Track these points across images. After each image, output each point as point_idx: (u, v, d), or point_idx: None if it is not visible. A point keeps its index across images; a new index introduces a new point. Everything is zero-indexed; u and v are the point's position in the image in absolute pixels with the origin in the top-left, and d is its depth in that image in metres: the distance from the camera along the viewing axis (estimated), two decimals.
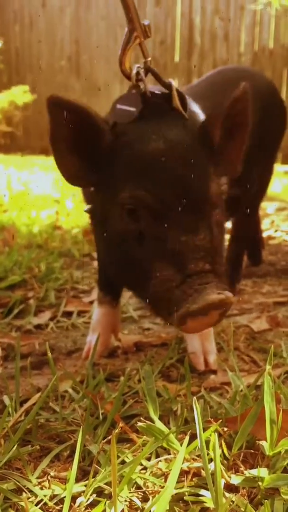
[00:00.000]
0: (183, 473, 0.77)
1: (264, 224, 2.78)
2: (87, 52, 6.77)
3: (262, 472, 0.72)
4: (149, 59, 1.02)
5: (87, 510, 0.71)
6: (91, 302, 1.57)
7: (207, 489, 0.71)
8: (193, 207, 0.87)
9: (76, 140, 0.91)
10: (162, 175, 0.88)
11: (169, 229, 0.86)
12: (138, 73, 1.00)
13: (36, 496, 0.73)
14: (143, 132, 0.93)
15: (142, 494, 0.74)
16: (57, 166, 0.94)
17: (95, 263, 1.98)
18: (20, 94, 7.14)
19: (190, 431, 0.80)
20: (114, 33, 6.53)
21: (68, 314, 1.53)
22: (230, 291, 0.83)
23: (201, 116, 1.09)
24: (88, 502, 0.72)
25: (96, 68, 6.71)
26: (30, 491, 0.74)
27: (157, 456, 0.82)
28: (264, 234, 2.48)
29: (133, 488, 0.75)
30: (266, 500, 0.66)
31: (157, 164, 0.89)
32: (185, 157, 0.91)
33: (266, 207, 3.21)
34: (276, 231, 2.65)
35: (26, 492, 0.74)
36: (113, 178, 0.92)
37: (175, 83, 1.01)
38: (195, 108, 1.11)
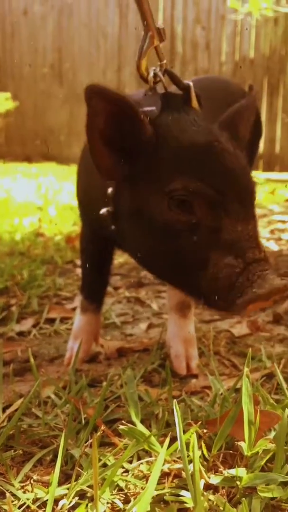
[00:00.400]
0: (164, 474, 0.78)
1: None
2: (70, 60, 6.80)
3: (241, 471, 0.74)
4: (165, 61, 1.04)
5: None
6: (74, 309, 1.58)
7: (187, 490, 0.72)
8: (245, 197, 0.90)
9: (114, 131, 0.91)
10: (216, 166, 0.89)
11: (226, 218, 0.87)
12: (155, 75, 1.01)
13: (19, 499, 0.74)
14: (184, 125, 0.94)
15: (124, 496, 0.76)
16: (92, 157, 0.92)
17: (78, 270, 1.99)
18: (2, 101, 7.12)
19: (170, 433, 0.82)
20: (96, 40, 6.57)
21: (51, 321, 1.54)
22: None
23: None
24: (71, 504, 0.73)
25: (79, 76, 6.74)
26: (13, 494, 0.75)
27: (139, 458, 0.83)
28: None
29: (115, 490, 0.76)
30: (244, 499, 0.68)
31: (210, 155, 0.90)
32: (231, 149, 0.93)
33: None
34: None
35: (9, 496, 0.75)
36: (157, 170, 0.91)
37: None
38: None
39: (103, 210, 0.99)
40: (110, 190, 0.97)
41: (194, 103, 1.00)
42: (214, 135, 0.94)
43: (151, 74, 1.01)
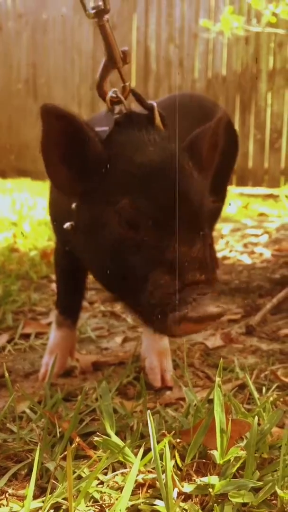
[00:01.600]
0: (139, 485, 0.80)
1: (219, 244, 2.86)
2: (44, 75, 6.83)
3: (213, 479, 0.75)
4: (128, 83, 1.06)
5: None
6: (49, 324, 1.59)
7: (161, 499, 0.74)
8: (191, 218, 0.91)
9: (66, 148, 0.93)
10: (163, 185, 0.91)
11: (169, 238, 0.88)
12: (114, 96, 1.03)
13: None
14: (136, 143, 0.96)
15: (99, 507, 0.77)
16: (48, 174, 0.95)
17: (53, 285, 1.99)
18: None
19: (144, 444, 0.83)
20: (71, 57, 6.62)
21: (26, 336, 1.54)
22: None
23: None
24: None
25: (54, 91, 6.77)
26: None
27: (114, 470, 0.84)
28: (219, 254, 2.56)
29: (90, 502, 0.77)
30: (216, 506, 0.69)
31: (158, 174, 0.92)
32: (182, 169, 0.94)
33: (222, 228, 3.30)
34: (230, 251, 2.73)
35: None
36: (108, 187, 0.94)
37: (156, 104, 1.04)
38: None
39: (67, 225, 1.01)
40: (73, 205, 1.00)
41: (158, 122, 1.02)
42: (168, 155, 0.95)
43: (109, 94, 1.04)
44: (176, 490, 0.75)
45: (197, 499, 0.76)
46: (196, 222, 0.92)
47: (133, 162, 0.93)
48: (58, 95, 6.68)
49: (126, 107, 1.03)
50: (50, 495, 0.75)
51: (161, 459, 0.77)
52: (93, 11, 1.07)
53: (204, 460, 0.83)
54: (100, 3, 1.06)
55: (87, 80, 6.49)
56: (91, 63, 6.46)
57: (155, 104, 1.03)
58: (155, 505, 0.74)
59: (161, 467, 0.75)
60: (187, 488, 0.76)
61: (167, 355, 1.24)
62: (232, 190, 4.99)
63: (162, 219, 0.89)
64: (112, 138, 0.97)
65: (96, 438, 0.84)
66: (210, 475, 0.78)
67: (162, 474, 0.74)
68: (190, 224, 0.91)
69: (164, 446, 0.77)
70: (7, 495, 0.78)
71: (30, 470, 0.85)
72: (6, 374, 1.04)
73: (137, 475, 0.79)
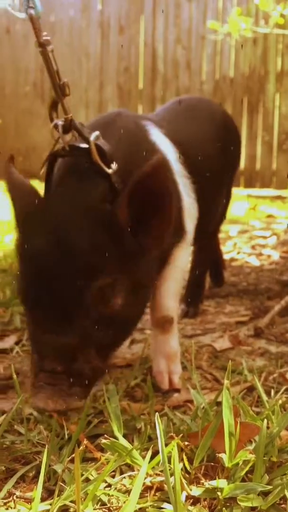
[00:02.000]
0: (147, 488, 0.79)
1: (227, 246, 2.85)
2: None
3: (221, 483, 0.75)
4: (70, 115, 1.01)
5: None
6: None
7: (169, 502, 0.73)
8: (55, 309, 0.86)
9: None
10: (29, 269, 0.89)
11: (33, 324, 0.90)
12: (56, 127, 1.00)
13: None
14: (40, 210, 0.94)
15: (107, 510, 0.76)
16: None
17: None
18: None
19: (152, 446, 0.83)
20: (78, 59, 6.64)
21: None
22: (81, 398, 0.87)
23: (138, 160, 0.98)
24: None
25: None
26: None
27: (122, 473, 0.84)
28: (227, 256, 2.55)
29: (98, 505, 0.77)
30: (225, 509, 0.69)
31: (30, 255, 0.90)
32: (57, 255, 0.87)
33: (229, 229, 3.29)
34: (238, 253, 2.72)
35: None
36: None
37: (95, 137, 0.97)
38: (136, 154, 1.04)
39: None
40: None
41: (95, 157, 0.95)
42: (55, 230, 0.89)
43: (52, 126, 1.01)
44: (184, 493, 0.75)
45: (206, 502, 0.75)
46: (65, 310, 0.86)
47: (25, 230, 0.94)
48: (66, 97, 6.69)
49: (64, 142, 0.99)
50: (58, 498, 0.75)
51: (169, 462, 0.77)
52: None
53: (212, 463, 0.82)
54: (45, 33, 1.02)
55: (94, 83, 6.51)
56: (99, 65, 6.47)
57: (91, 138, 0.96)
58: (163, 508, 0.73)
59: (169, 470, 0.75)
60: (196, 491, 0.75)
61: (175, 358, 1.23)
62: (240, 192, 4.98)
63: (26, 305, 0.91)
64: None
65: (103, 441, 0.83)
66: (219, 478, 0.77)
67: (170, 477, 0.73)
68: (56, 312, 0.86)
69: (172, 449, 0.76)
70: (14, 498, 0.78)
71: (38, 472, 0.84)
72: (14, 376, 1.04)
73: (145, 478, 0.78)
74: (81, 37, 6.59)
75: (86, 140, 0.97)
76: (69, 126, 0.99)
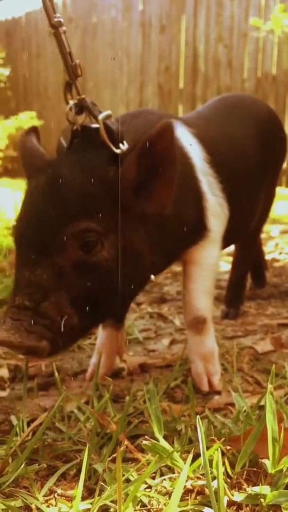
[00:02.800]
0: (187, 491, 0.78)
1: (269, 246, 2.80)
2: (93, 79, 6.91)
3: (265, 489, 0.73)
4: (83, 96, 1.03)
5: None
6: None
7: (210, 507, 0.72)
8: (30, 242, 0.92)
9: None
10: (21, 210, 0.97)
11: (16, 262, 0.94)
12: (71, 109, 1.03)
13: None
14: (52, 166, 1.01)
15: None
16: None
17: None
18: (28, 120, 7.27)
19: (194, 449, 0.82)
20: (120, 59, 6.68)
21: None
22: (41, 338, 0.87)
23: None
24: None
25: (102, 94, 6.84)
26: (38, 508, 0.76)
27: (162, 474, 0.83)
28: (269, 257, 2.51)
29: (138, 506, 0.76)
30: None
31: (24, 199, 0.99)
32: (46, 196, 0.94)
33: (271, 230, 3.23)
34: (280, 253, 2.67)
35: (33, 510, 0.76)
36: None
37: (104, 116, 0.99)
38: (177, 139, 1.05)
39: None
40: None
41: (103, 136, 0.98)
42: (48, 179, 0.97)
43: (67, 109, 1.04)
44: (226, 498, 0.73)
45: (248, 509, 0.74)
46: (41, 248, 0.91)
47: (28, 185, 1.02)
48: (107, 98, 6.75)
49: (76, 123, 1.02)
50: (99, 497, 0.75)
51: (210, 465, 0.76)
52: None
53: (254, 469, 0.81)
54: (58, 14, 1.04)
55: (135, 83, 6.52)
56: (139, 66, 6.49)
57: (100, 117, 0.99)
58: None
59: (210, 474, 0.74)
60: (238, 497, 0.74)
61: (211, 359, 1.21)
62: (282, 191, 4.89)
63: (14, 242, 0.96)
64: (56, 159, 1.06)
65: (144, 442, 0.83)
66: (261, 484, 0.76)
67: (212, 481, 0.72)
68: (34, 250, 0.91)
69: (214, 452, 0.75)
70: (55, 495, 0.79)
71: (78, 471, 0.85)
72: (56, 374, 1.05)
73: (186, 481, 0.77)
74: (122, 38, 6.63)
75: (95, 118, 1.00)
76: (81, 107, 1.02)
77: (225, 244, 1.33)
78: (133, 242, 0.98)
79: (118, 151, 0.97)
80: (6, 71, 7.59)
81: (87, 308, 0.92)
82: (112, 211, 0.93)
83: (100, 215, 0.92)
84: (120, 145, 0.99)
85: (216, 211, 1.21)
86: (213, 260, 1.23)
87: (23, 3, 7.83)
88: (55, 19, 1.03)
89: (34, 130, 1.17)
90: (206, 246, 1.20)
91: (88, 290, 0.92)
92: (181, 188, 1.05)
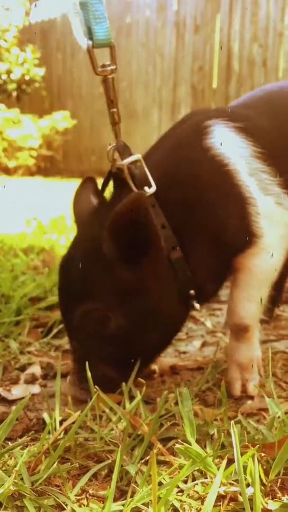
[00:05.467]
0: (220, 497, 0.77)
1: None
2: (127, 79, 6.94)
3: None
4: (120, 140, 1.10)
5: None
6: None
7: None
8: (65, 318, 1.13)
9: None
10: (58, 283, 1.13)
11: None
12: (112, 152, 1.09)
13: None
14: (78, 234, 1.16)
15: None
16: None
17: None
18: (61, 120, 7.35)
19: (227, 455, 0.80)
20: (153, 59, 6.68)
21: None
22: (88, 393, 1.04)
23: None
24: None
25: (135, 94, 6.86)
26: (70, 508, 0.76)
27: (194, 479, 0.82)
28: None
29: (170, 510, 0.76)
30: None
31: (59, 272, 1.13)
32: (63, 277, 1.11)
33: None
34: None
35: (65, 508, 0.76)
36: None
37: (130, 161, 1.05)
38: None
39: None
40: None
41: (130, 183, 1.04)
42: (77, 249, 1.11)
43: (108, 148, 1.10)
44: (260, 506, 0.72)
45: None
46: (68, 322, 1.12)
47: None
48: (140, 98, 6.76)
49: (113, 165, 1.09)
50: (131, 499, 0.75)
51: (244, 472, 0.75)
52: (102, 69, 1.11)
53: None
54: (108, 62, 1.11)
55: (169, 83, 6.51)
56: (173, 66, 6.47)
57: (125, 161, 1.05)
58: None
59: (244, 480, 0.73)
60: (272, 505, 0.72)
61: (248, 368, 1.18)
62: None
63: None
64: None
65: (177, 446, 0.82)
66: None
67: (246, 488, 0.71)
68: (66, 323, 1.14)
69: (249, 459, 0.74)
70: (87, 495, 0.79)
71: (110, 471, 0.85)
72: (88, 372, 1.05)
73: (219, 486, 0.76)
74: (156, 38, 6.63)
75: (119, 168, 1.07)
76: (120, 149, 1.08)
77: None
78: (145, 305, 1.05)
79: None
80: (41, 71, 7.69)
81: (126, 365, 1.09)
82: (108, 285, 1.04)
83: (100, 293, 1.05)
84: (146, 188, 1.03)
85: (272, 212, 1.09)
86: (266, 267, 1.12)
87: (59, 5, 7.91)
88: (105, 68, 1.10)
89: (90, 180, 1.21)
90: (256, 254, 1.10)
91: (118, 353, 1.08)
92: (212, 205, 1.06)
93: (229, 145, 1.07)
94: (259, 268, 1.12)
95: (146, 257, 1.01)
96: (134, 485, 0.78)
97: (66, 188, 5.62)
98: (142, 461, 0.83)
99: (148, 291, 1.04)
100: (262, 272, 1.12)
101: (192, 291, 1.09)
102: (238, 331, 1.17)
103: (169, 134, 1.14)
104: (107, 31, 1.06)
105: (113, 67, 1.10)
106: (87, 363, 1.01)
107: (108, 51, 1.10)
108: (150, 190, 1.03)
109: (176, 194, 1.05)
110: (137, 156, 1.05)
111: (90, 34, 1.05)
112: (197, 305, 1.12)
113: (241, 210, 1.07)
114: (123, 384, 1.08)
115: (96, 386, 1.00)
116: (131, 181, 1.03)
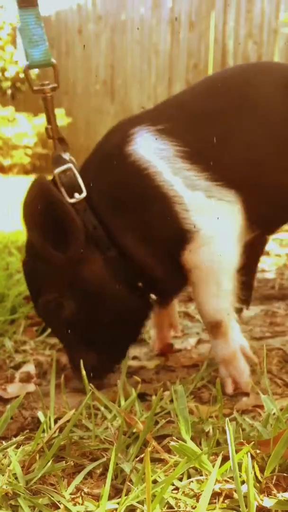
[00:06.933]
0: (215, 494, 0.77)
1: None
2: (122, 76, 6.92)
3: None
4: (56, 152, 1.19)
5: None
6: None
7: (239, 511, 0.71)
8: (38, 315, 1.26)
9: None
10: None
11: None
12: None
13: (69, 511, 0.75)
14: None
15: None
16: None
17: None
18: (56, 118, 7.31)
19: (222, 452, 0.80)
20: (148, 57, 6.66)
21: None
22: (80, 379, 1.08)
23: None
24: None
25: (130, 91, 6.85)
26: (64, 506, 0.76)
27: (189, 476, 0.82)
28: None
29: (165, 508, 0.75)
30: None
31: None
32: (26, 267, 1.20)
33: None
34: None
35: (60, 507, 0.75)
36: None
37: (60, 170, 1.14)
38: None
39: None
40: None
41: (59, 189, 1.12)
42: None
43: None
44: (255, 503, 0.72)
45: None
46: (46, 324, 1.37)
47: None
48: (135, 95, 6.75)
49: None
50: (126, 497, 0.74)
51: (239, 469, 0.74)
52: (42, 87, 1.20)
53: (284, 474, 0.79)
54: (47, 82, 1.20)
55: (164, 80, 6.50)
56: (168, 63, 6.46)
57: (55, 171, 1.14)
58: None
59: (239, 477, 0.72)
60: (267, 502, 0.72)
61: (233, 361, 1.16)
62: None
63: None
64: None
65: (172, 443, 0.82)
66: None
67: (241, 485, 0.71)
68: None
69: (244, 456, 0.73)
70: (82, 494, 0.78)
71: (105, 470, 0.84)
72: (83, 370, 1.05)
73: (214, 484, 0.76)
74: (151, 35, 6.61)
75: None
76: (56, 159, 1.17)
77: (267, 229, 1.23)
78: (89, 289, 1.13)
79: (71, 200, 1.11)
80: (35, 69, 7.64)
81: (97, 351, 1.17)
82: (53, 276, 1.13)
83: (49, 285, 1.14)
84: (76, 194, 1.12)
85: (204, 206, 1.08)
86: (215, 259, 1.09)
87: (53, 2, 7.89)
88: (44, 86, 1.21)
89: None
90: (197, 249, 1.09)
91: (86, 338, 1.17)
92: (137, 208, 1.11)
93: (149, 149, 1.09)
94: (207, 262, 1.10)
95: (70, 238, 1.08)
96: (129, 483, 0.78)
97: None
98: (137, 459, 0.83)
99: (86, 276, 1.12)
100: (212, 265, 1.10)
101: (140, 283, 1.15)
102: (212, 328, 1.15)
103: (100, 144, 1.22)
104: (44, 53, 1.19)
105: (53, 85, 1.21)
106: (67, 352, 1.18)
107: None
108: (81, 196, 1.11)
109: (107, 200, 1.13)
110: (68, 165, 1.14)
111: (27, 56, 1.17)
112: (153, 296, 1.18)
113: (167, 210, 1.08)
114: (118, 381, 1.08)
115: (90, 385, 1.00)
116: (62, 188, 1.12)
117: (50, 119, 1.19)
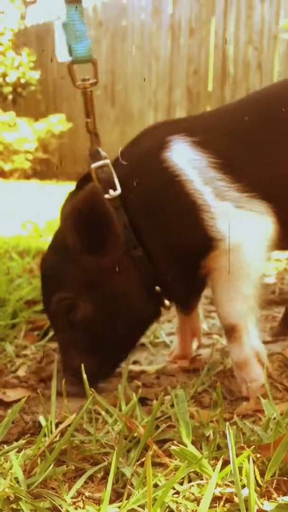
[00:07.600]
0: (216, 498, 0.77)
1: None
2: (122, 81, 6.95)
3: None
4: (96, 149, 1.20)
5: None
6: None
7: None
8: (46, 311, 1.24)
9: None
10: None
11: None
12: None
13: None
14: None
15: None
16: None
17: None
18: (57, 123, 7.35)
19: (222, 456, 0.81)
20: (149, 62, 6.70)
21: None
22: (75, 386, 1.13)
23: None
24: None
25: (131, 97, 6.87)
26: (66, 510, 0.76)
27: (190, 480, 0.82)
28: None
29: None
30: None
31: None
32: (46, 263, 1.22)
33: None
34: None
35: (61, 511, 0.76)
36: None
37: (97, 165, 1.16)
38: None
39: None
40: None
41: (96, 184, 1.13)
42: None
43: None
44: (255, 507, 0.72)
45: None
46: (50, 316, 1.23)
47: None
48: (135, 100, 6.77)
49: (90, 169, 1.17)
50: (127, 501, 0.75)
51: (240, 473, 0.75)
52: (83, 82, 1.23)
53: (285, 478, 0.79)
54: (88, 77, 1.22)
55: (164, 85, 6.53)
56: (168, 69, 6.49)
57: (92, 166, 1.15)
58: None
59: (240, 481, 0.73)
60: (268, 506, 0.72)
61: (245, 367, 1.17)
62: None
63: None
64: None
65: (173, 447, 0.82)
66: None
67: (242, 489, 0.71)
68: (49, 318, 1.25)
69: (244, 460, 0.74)
70: (83, 498, 0.79)
71: (106, 474, 0.85)
72: (84, 375, 1.05)
73: (214, 488, 0.76)
74: (151, 41, 6.65)
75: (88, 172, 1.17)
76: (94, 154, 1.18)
77: None
78: (109, 295, 1.14)
79: (107, 196, 1.11)
80: (36, 75, 7.69)
81: (99, 355, 1.17)
82: (75, 275, 1.14)
83: (68, 284, 1.14)
84: (111, 191, 1.12)
85: (233, 215, 1.11)
86: (239, 265, 1.12)
87: (54, 8, 7.92)
88: (85, 82, 1.23)
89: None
90: (220, 255, 1.12)
91: (91, 341, 1.17)
92: (166, 212, 1.13)
93: (183, 158, 1.13)
94: (230, 268, 1.12)
95: (108, 247, 1.10)
96: (130, 487, 0.78)
97: (62, 191, 5.62)
98: (138, 463, 0.83)
99: (112, 282, 1.13)
100: (234, 271, 1.12)
101: (157, 288, 1.17)
102: (227, 332, 1.17)
103: (134, 145, 1.22)
104: (87, 49, 1.21)
105: (93, 80, 1.22)
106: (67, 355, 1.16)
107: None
108: (115, 192, 1.12)
109: (138, 200, 1.14)
110: (105, 161, 1.15)
111: (70, 51, 1.20)
112: (166, 302, 1.20)
113: (194, 216, 1.11)
114: (119, 386, 1.09)
115: (91, 389, 1.00)
116: (98, 183, 1.12)
117: (89, 113, 1.21)
